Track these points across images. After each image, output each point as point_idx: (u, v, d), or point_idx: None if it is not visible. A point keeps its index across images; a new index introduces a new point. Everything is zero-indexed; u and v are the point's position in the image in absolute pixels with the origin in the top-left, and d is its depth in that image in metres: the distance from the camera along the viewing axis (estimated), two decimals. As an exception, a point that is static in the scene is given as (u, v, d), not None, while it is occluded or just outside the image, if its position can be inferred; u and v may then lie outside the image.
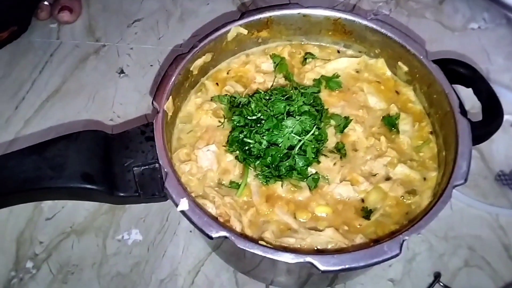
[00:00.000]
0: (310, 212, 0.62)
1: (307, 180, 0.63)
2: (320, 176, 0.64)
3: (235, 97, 0.70)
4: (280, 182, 0.63)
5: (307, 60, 0.76)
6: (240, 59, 0.76)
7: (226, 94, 0.71)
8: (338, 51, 0.78)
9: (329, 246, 0.59)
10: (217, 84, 0.74)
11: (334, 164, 0.65)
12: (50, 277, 0.73)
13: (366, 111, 0.71)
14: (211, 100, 0.71)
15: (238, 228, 0.60)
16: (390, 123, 0.69)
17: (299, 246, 0.59)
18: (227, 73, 0.75)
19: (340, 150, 0.66)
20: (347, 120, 0.68)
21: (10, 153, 0.58)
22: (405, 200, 0.63)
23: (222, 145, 0.67)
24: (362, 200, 0.63)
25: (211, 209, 0.60)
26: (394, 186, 0.63)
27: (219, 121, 0.69)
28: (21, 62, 0.98)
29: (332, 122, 0.69)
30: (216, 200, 0.61)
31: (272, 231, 0.60)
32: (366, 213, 0.62)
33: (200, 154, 0.65)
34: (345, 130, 0.68)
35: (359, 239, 0.58)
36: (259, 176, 0.63)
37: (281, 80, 0.74)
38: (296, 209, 0.62)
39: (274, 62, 0.75)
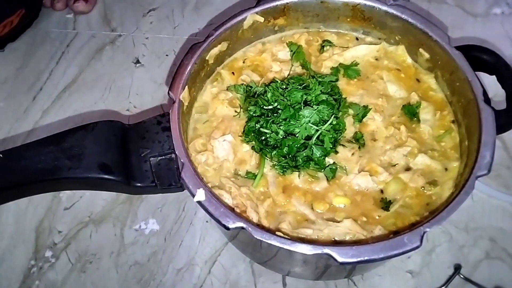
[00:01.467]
0: (327, 203, 0.61)
1: (324, 170, 0.62)
2: (338, 166, 0.63)
3: (251, 87, 0.69)
4: (297, 173, 0.62)
5: (325, 48, 0.75)
6: (256, 47, 0.75)
7: (242, 84, 0.70)
8: (357, 38, 0.76)
9: (347, 238, 0.58)
10: (233, 73, 0.73)
11: (352, 154, 0.64)
12: (69, 266, 0.74)
13: (386, 100, 0.69)
14: (227, 89, 0.70)
15: (254, 219, 0.59)
16: (410, 112, 0.67)
17: (316, 237, 0.58)
18: (243, 62, 0.74)
19: (358, 140, 0.65)
20: (366, 109, 0.67)
21: (28, 143, 0.58)
22: (425, 191, 0.61)
23: (238, 135, 0.66)
24: (381, 191, 0.62)
25: (228, 199, 0.60)
26: (414, 176, 0.62)
27: (235, 111, 0.68)
28: (38, 52, 0.98)
29: (351, 111, 0.67)
30: (232, 190, 0.61)
31: (289, 222, 0.59)
32: (385, 204, 0.60)
33: (216, 144, 0.64)
34: (364, 120, 0.67)
35: (378, 231, 0.57)
36: (275, 167, 0.63)
37: (298, 69, 0.73)
38: (313, 200, 0.61)
39: (291, 50, 0.74)
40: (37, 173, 0.56)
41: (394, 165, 0.63)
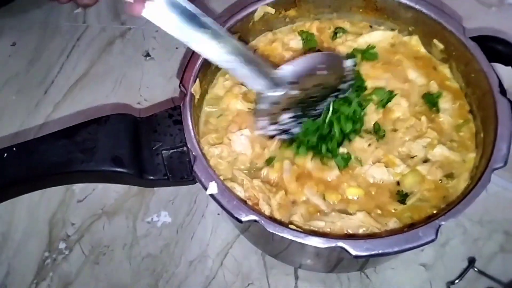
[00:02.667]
0: (340, 194, 0.61)
1: (336, 158, 0.62)
2: (352, 156, 0.62)
3: None
4: (310, 156, 0.62)
5: (338, 35, 0.73)
6: (266, 37, 0.75)
7: None
8: (371, 26, 0.75)
9: (360, 231, 0.57)
10: None
11: (369, 145, 0.63)
12: (83, 258, 0.74)
13: (410, 85, 0.68)
14: (242, 83, 0.70)
15: (267, 211, 0.59)
16: (430, 101, 0.66)
17: (328, 230, 0.58)
18: (254, 53, 0.73)
19: (377, 132, 0.64)
20: (391, 94, 0.66)
21: (41, 137, 0.59)
22: (443, 184, 0.60)
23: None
24: (398, 183, 0.61)
25: (240, 192, 0.60)
26: (432, 168, 0.61)
27: (249, 108, 0.67)
28: (49, 46, 0.99)
29: (374, 97, 0.66)
30: (245, 183, 0.61)
31: (301, 214, 0.59)
32: (402, 197, 0.60)
33: (234, 138, 0.64)
34: (390, 105, 0.65)
35: (393, 223, 0.57)
36: (299, 148, 0.62)
37: None
38: (325, 190, 0.61)
39: (303, 39, 0.73)
40: (50, 166, 0.56)
41: (413, 157, 0.63)
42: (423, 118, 0.65)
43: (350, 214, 0.59)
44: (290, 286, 0.71)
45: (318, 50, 0.71)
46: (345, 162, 0.62)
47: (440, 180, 0.61)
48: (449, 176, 0.61)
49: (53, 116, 0.89)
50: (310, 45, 0.72)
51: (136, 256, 0.74)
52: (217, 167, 0.62)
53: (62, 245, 0.76)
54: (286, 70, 0.60)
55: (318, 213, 0.60)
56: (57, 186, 0.64)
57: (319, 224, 0.58)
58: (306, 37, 0.73)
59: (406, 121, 0.65)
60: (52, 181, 0.61)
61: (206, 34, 0.50)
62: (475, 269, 0.70)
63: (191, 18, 0.49)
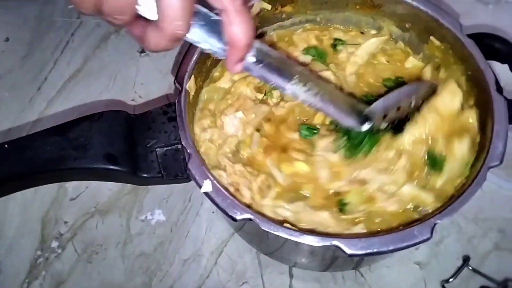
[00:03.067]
0: (292, 167, 0.62)
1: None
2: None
3: None
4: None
5: (338, 48, 0.73)
6: None
7: None
8: (362, 32, 0.75)
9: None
10: None
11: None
12: (75, 257, 0.74)
13: None
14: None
15: (247, 195, 0.59)
16: (433, 161, 0.62)
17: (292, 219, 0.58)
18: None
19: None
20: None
21: (34, 133, 0.58)
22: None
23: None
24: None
25: (225, 178, 0.60)
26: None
27: (256, 97, 0.68)
28: (43, 42, 0.97)
29: None
30: (227, 168, 0.61)
31: (273, 195, 0.60)
32: (341, 205, 0.60)
33: (227, 120, 0.64)
34: None
35: (358, 229, 0.57)
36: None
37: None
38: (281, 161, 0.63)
39: (312, 55, 0.72)
40: (43, 163, 0.56)
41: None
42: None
43: (305, 196, 0.60)
44: (284, 284, 0.71)
45: (404, 83, 0.70)
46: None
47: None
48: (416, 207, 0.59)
49: (47, 112, 0.88)
50: (323, 58, 0.72)
51: (130, 255, 0.74)
52: (207, 153, 0.62)
53: (54, 244, 0.75)
54: (377, 107, 0.60)
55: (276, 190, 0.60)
56: (50, 183, 0.63)
57: (285, 213, 0.58)
58: (314, 54, 0.72)
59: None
60: (44, 179, 0.61)
61: (294, 83, 0.52)
62: (470, 268, 0.70)
63: (279, 70, 0.51)
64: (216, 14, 0.43)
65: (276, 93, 0.68)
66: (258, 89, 0.69)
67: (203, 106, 0.68)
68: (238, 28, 0.43)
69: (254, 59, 0.48)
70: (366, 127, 0.59)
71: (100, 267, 0.73)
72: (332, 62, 0.72)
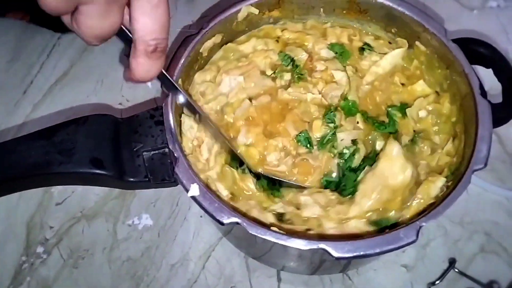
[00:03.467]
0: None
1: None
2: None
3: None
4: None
5: (365, 52, 0.72)
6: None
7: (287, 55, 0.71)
8: (390, 42, 0.73)
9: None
10: (277, 41, 0.73)
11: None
12: (61, 262, 0.73)
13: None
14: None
15: (205, 156, 0.61)
16: None
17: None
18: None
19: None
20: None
21: (19, 138, 0.57)
22: None
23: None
24: None
25: (194, 130, 0.61)
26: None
27: (265, 71, 0.69)
28: (29, 45, 0.96)
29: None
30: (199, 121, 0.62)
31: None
32: None
33: (226, 79, 0.65)
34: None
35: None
36: None
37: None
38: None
39: (336, 52, 0.72)
40: (27, 167, 0.55)
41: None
42: None
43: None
44: (273, 288, 0.71)
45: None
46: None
47: None
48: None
49: (33, 116, 0.87)
50: (345, 58, 0.72)
51: (116, 260, 0.73)
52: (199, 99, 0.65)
53: (40, 249, 0.74)
54: None
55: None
56: (35, 188, 0.62)
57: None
58: (339, 51, 0.72)
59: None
60: (29, 183, 0.60)
61: None
62: (456, 270, 0.70)
63: None
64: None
65: (287, 76, 0.69)
66: (274, 66, 0.70)
67: (214, 60, 0.69)
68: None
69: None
70: None
71: (86, 272, 0.72)
72: (352, 65, 0.72)
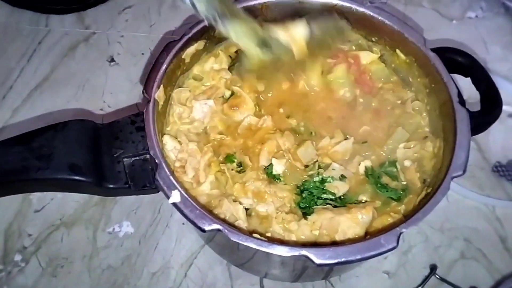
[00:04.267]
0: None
1: None
2: None
3: None
4: None
5: None
6: None
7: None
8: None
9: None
10: (230, 56, 0.73)
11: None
12: (39, 270, 0.71)
13: None
14: (228, 69, 0.71)
15: (190, 175, 0.60)
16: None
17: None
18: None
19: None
20: None
21: (-4, 143, 0.56)
22: None
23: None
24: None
25: (176, 151, 0.62)
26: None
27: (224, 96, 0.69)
28: (9, 50, 0.95)
29: None
30: (182, 144, 0.63)
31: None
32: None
33: (197, 106, 0.66)
34: None
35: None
36: None
37: None
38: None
39: None
40: (4, 174, 0.54)
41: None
42: None
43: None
44: (255, 296, 0.71)
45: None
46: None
47: None
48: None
49: (12, 121, 0.86)
50: None
51: (96, 268, 0.72)
52: (169, 122, 0.65)
53: (18, 257, 0.72)
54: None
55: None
56: (12, 195, 0.61)
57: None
58: None
59: None
60: (6, 190, 0.59)
61: None
62: (437, 276, 0.71)
63: None
64: None
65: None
66: (227, 85, 0.70)
67: (186, 85, 0.70)
68: None
69: None
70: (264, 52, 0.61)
71: (65, 281, 0.71)
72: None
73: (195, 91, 0.69)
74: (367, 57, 0.72)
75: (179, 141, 0.63)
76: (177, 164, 0.61)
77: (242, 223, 0.58)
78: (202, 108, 0.66)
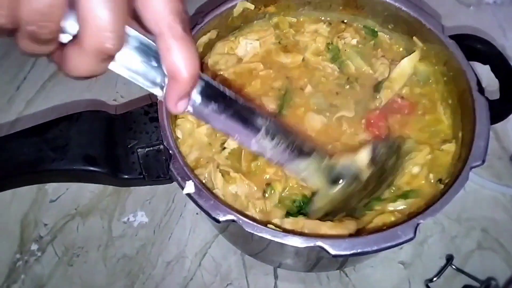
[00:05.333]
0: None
1: None
2: None
3: None
4: None
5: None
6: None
7: None
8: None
9: None
10: None
11: None
12: (56, 260, 0.72)
13: None
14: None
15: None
16: None
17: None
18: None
19: None
20: None
21: (10, 134, 0.56)
22: None
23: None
24: None
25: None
26: None
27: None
28: (22, 41, 0.95)
29: None
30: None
31: None
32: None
33: (243, 43, 0.68)
34: None
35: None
36: None
37: None
38: None
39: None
40: (19, 165, 0.54)
41: None
42: None
43: None
44: (269, 285, 0.70)
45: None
46: None
47: None
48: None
49: (26, 112, 0.86)
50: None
51: (112, 257, 0.72)
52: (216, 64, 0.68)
53: (34, 247, 0.73)
54: (349, 165, 0.56)
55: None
56: (27, 185, 0.62)
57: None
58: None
59: None
60: (22, 181, 0.59)
61: (261, 137, 0.46)
62: (453, 267, 0.70)
63: (241, 119, 0.44)
64: (153, 41, 0.36)
65: None
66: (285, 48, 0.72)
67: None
68: (178, 55, 0.35)
69: (200, 98, 0.40)
70: (336, 188, 0.56)
71: (81, 270, 0.71)
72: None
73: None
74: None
75: None
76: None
77: (218, 191, 0.58)
78: (246, 47, 0.69)
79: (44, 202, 0.77)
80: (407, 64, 0.68)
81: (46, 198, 0.77)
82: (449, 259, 0.71)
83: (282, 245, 0.51)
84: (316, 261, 0.64)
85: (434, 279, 0.70)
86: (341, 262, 0.67)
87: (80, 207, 0.76)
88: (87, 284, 0.70)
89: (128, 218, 0.76)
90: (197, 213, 0.76)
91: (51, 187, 0.78)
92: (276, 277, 0.71)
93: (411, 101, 0.67)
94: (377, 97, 0.66)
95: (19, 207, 0.76)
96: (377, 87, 0.67)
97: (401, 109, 0.66)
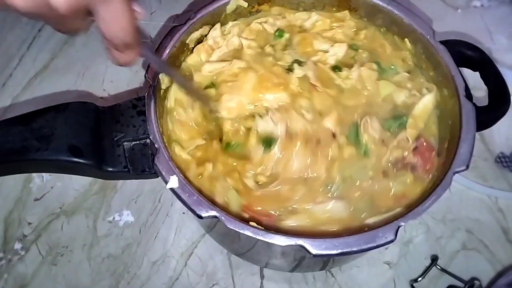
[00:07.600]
0: None
1: None
2: None
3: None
4: None
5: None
6: None
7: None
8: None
9: None
10: None
11: None
12: (39, 259, 0.71)
13: None
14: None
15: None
16: None
17: None
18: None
19: None
20: None
21: (-4, 122, 0.55)
22: None
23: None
24: None
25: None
26: None
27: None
28: (8, 37, 0.94)
29: None
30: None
31: None
32: None
33: (233, 39, 0.68)
34: None
35: None
36: None
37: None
38: None
39: None
40: (4, 153, 0.53)
41: None
42: None
43: None
44: (255, 285, 0.70)
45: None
46: None
47: None
48: None
49: (11, 109, 0.85)
50: None
51: (96, 257, 0.71)
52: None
53: (17, 246, 0.72)
54: None
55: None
56: (10, 174, 0.60)
57: None
58: None
59: None
60: (5, 169, 0.58)
61: None
62: (438, 267, 0.70)
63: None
64: None
65: None
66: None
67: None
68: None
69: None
70: None
71: (65, 269, 0.70)
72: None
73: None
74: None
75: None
76: (210, 41, 0.66)
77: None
78: (233, 42, 0.68)
79: (28, 200, 0.76)
80: (429, 101, 0.65)
81: (30, 197, 0.76)
82: (434, 259, 0.71)
83: (267, 244, 0.51)
84: (299, 260, 0.64)
85: (419, 279, 0.70)
86: (325, 262, 0.67)
87: (65, 205, 0.75)
88: (71, 283, 0.69)
89: (114, 217, 0.75)
90: (183, 213, 0.75)
91: (36, 185, 0.77)
92: (262, 277, 0.71)
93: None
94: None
95: (2, 205, 0.75)
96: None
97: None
